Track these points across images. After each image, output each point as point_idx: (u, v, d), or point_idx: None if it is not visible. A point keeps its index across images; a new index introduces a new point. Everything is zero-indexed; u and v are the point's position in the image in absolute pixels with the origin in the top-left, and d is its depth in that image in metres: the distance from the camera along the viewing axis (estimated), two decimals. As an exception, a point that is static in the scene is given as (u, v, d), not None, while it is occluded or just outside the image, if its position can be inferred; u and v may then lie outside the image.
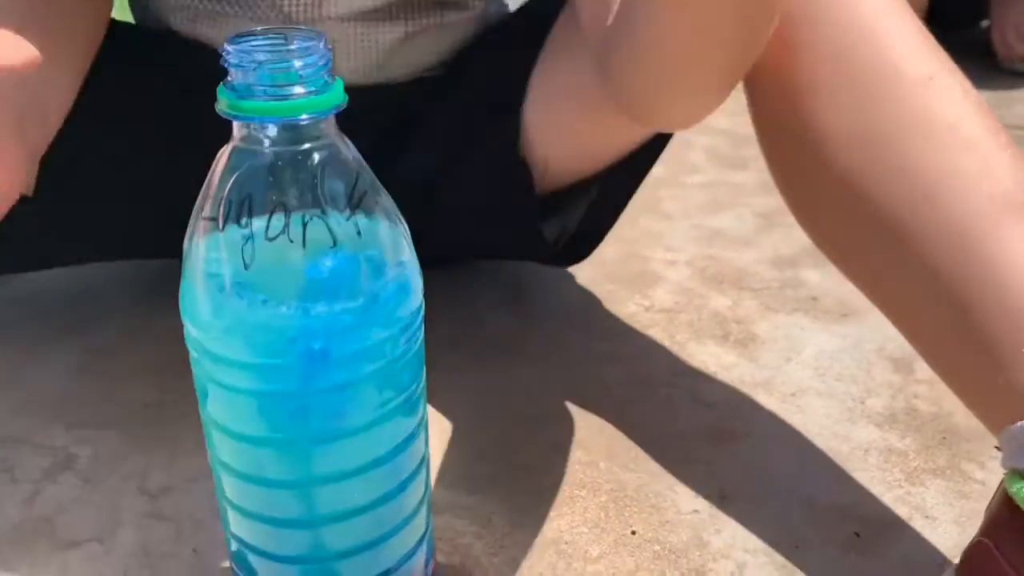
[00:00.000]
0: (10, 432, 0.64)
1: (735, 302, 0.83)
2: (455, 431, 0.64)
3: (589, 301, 0.83)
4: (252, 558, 0.42)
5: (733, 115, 1.27)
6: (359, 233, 0.36)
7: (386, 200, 0.38)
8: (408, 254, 0.38)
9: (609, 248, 0.93)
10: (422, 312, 0.41)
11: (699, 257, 0.92)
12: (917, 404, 0.68)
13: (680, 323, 0.79)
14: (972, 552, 0.44)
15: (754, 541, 0.54)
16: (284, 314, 0.35)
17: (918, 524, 0.56)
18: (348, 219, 0.36)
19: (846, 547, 0.54)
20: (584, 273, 0.89)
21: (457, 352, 0.74)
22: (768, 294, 0.84)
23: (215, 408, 0.39)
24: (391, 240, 0.37)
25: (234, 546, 0.43)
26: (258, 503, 0.40)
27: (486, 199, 0.70)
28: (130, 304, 0.82)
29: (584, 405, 0.67)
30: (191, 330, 0.38)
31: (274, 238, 0.35)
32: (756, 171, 1.15)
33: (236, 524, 0.42)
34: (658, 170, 1.16)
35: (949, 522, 0.56)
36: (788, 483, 0.59)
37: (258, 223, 0.35)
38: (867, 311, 0.80)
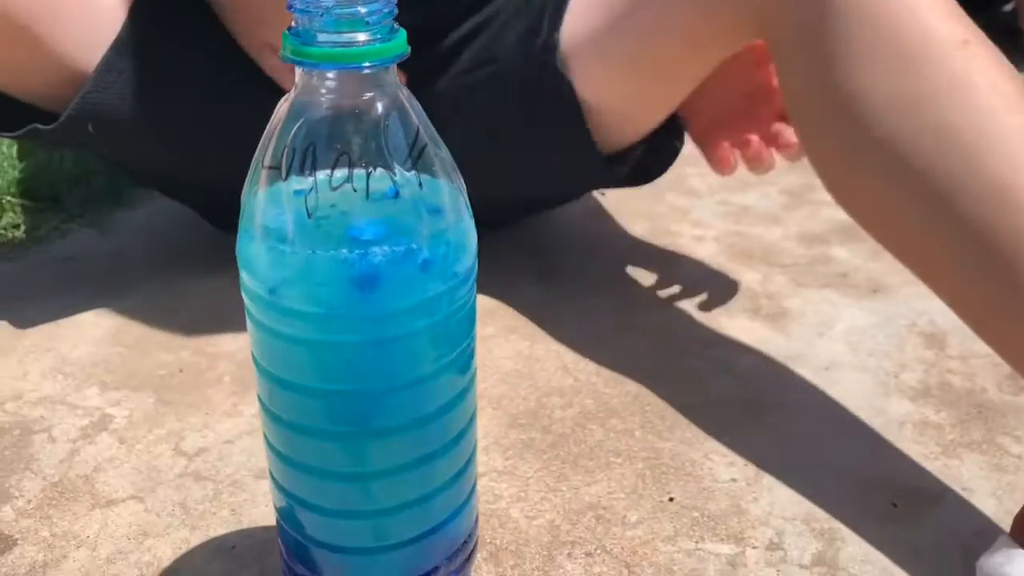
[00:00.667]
0: (46, 394, 0.65)
1: (765, 277, 0.82)
2: (488, 400, 0.64)
3: (618, 275, 0.83)
4: (300, 513, 0.42)
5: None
6: (420, 185, 0.36)
7: (445, 154, 0.37)
8: (465, 210, 0.38)
9: (637, 224, 0.93)
10: (475, 270, 0.40)
11: (727, 233, 0.91)
12: (951, 379, 0.67)
13: (710, 298, 0.79)
14: None
15: (792, 509, 0.54)
16: (345, 264, 0.35)
17: (955, 496, 0.56)
18: (409, 171, 0.36)
19: (884, 517, 0.54)
20: (612, 247, 0.88)
21: (489, 324, 0.74)
22: (797, 270, 0.84)
23: (269, 358, 0.39)
24: (450, 194, 0.37)
25: (281, 502, 0.43)
26: (309, 456, 0.40)
27: (530, 116, 0.71)
28: (163, 269, 0.82)
29: (616, 376, 0.67)
30: (248, 280, 0.37)
31: (337, 188, 0.35)
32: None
33: (284, 478, 0.42)
34: (684, 147, 1.16)
35: (986, 495, 0.56)
36: (824, 454, 0.59)
37: (321, 172, 0.35)
38: (897, 287, 0.80)
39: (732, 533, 0.53)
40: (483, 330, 0.73)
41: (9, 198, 0.90)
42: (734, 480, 0.57)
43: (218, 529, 0.52)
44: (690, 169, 1.08)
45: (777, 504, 0.55)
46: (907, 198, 0.51)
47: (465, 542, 0.45)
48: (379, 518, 0.41)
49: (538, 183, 0.78)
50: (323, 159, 0.35)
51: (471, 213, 0.39)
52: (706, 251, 0.87)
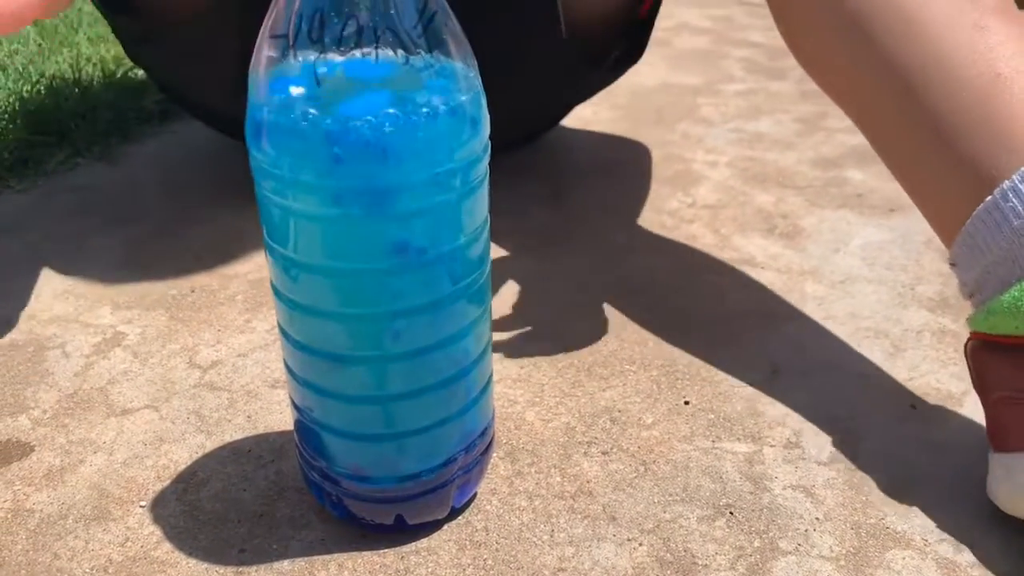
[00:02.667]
0: (58, 313, 0.65)
1: (779, 199, 0.81)
2: (502, 313, 0.64)
3: (631, 198, 0.82)
4: (315, 400, 0.42)
5: (768, 30, 1.26)
6: (431, 51, 0.35)
7: (455, 26, 0.37)
8: (478, 83, 0.38)
9: (648, 151, 0.92)
10: (488, 156, 0.40)
11: (740, 158, 0.90)
12: (969, 291, 0.66)
13: (724, 218, 0.78)
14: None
15: (809, 411, 0.54)
16: (356, 130, 0.34)
17: (974, 398, 0.55)
18: (419, 37, 0.35)
19: (903, 418, 0.53)
20: (624, 172, 0.88)
21: (502, 245, 0.73)
22: (812, 191, 0.83)
23: (282, 238, 0.38)
24: (462, 64, 0.37)
25: (295, 390, 0.43)
26: (323, 338, 0.39)
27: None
28: (173, 198, 0.82)
29: (631, 292, 0.67)
30: (258, 155, 0.37)
31: (346, 53, 0.34)
32: (794, 81, 1.13)
33: (297, 364, 0.41)
34: (694, 79, 1.15)
35: (1006, 396, 0.55)
36: (840, 359, 0.59)
37: (329, 39, 0.34)
38: (914, 207, 0.79)
39: (749, 433, 0.52)
40: (495, 250, 0.72)
41: (15, 132, 0.89)
42: (750, 384, 0.56)
43: (234, 435, 0.52)
44: (702, 99, 1.07)
45: (794, 406, 0.54)
46: (840, 37, 0.50)
47: (483, 433, 0.45)
48: (392, 403, 0.41)
49: (524, 89, 0.77)
50: (331, 25, 0.34)
51: (483, 93, 0.38)
52: (720, 175, 0.86)
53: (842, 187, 0.84)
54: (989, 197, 0.44)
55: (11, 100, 0.95)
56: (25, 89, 0.97)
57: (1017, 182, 0.43)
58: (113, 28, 0.77)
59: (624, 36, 0.75)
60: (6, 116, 0.92)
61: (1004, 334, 0.44)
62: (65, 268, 0.70)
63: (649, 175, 0.87)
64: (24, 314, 0.64)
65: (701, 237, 0.75)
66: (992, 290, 0.44)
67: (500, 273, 0.69)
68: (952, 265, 0.47)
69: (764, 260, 0.71)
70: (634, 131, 0.97)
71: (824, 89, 0.55)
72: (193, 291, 0.67)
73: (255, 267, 0.70)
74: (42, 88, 0.99)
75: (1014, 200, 0.43)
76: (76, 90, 0.98)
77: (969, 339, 0.47)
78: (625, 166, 0.89)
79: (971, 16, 0.46)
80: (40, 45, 1.09)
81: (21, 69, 1.02)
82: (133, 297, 0.66)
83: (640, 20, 0.74)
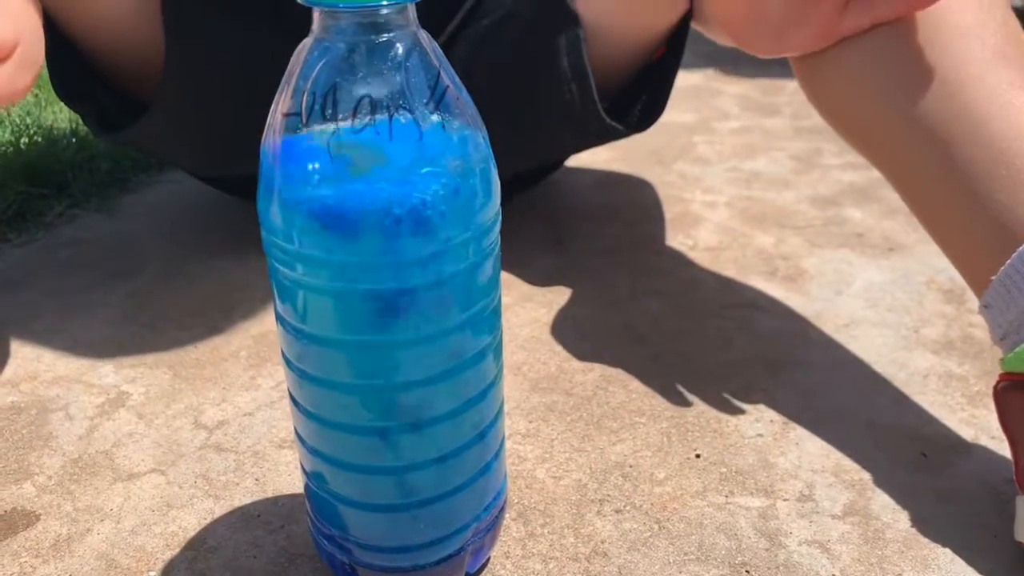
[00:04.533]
0: (61, 373, 0.64)
1: (779, 240, 0.82)
2: (508, 367, 0.64)
3: (631, 242, 0.82)
4: (326, 470, 0.41)
5: (761, 65, 1.27)
6: (444, 127, 0.35)
7: (466, 97, 0.37)
8: (489, 155, 0.38)
9: (647, 192, 0.93)
10: (499, 221, 0.40)
11: (738, 198, 0.91)
12: (973, 332, 0.67)
13: (725, 260, 0.78)
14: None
15: (821, 462, 0.54)
16: (367, 208, 0.34)
17: (985, 443, 0.55)
18: (432, 113, 0.35)
19: (914, 467, 0.53)
20: (625, 215, 0.88)
21: (504, 294, 0.73)
22: (812, 231, 0.83)
23: (294, 314, 0.38)
24: (474, 137, 0.37)
25: (307, 459, 0.42)
26: (335, 411, 0.39)
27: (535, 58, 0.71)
28: (172, 251, 0.82)
29: (635, 340, 0.67)
30: (270, 234, 0.37)
31: (360, 130, 0.34)
32: (789, 117, 1.14)
33: (309, 434, 0.41)
34: (689, 117, 1.15)
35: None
36: (849, 408, 0.59)
37: (343, 116, 0.34)
38: (913, 245, 0.79)
39: (762, 487, 0.52)
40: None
41: (14, 185, 0.89)
42: (760, 436, 0.56)
43: (243, 499, 0.52)
44: (698, 137, 1.08)
45: (805, 457, 0.54)
46: (863, 89, 0.53)
47: (496, 496, 0.44)
48: (405, 474, 0.40)
49: (541, 140, 0.78)
50: (344, 102, 0.34)
51: (494, 160, 0.38)
52: (718, 216, 0.87)
53: (842, 226, 0.84)
54: None
55: (9, 152, 0.95)
56: (23, 141, 0.97)
57: None
58: (81, 117, 0.76)
59: (645, 89, 0.75)
60: (4, 168, 0.92)
61: None
62: (66, 326, 0.70)
63: (649, 217, 0.87)
64: (26, 375, 0.64)
65: (703, 281, 0.75)
66: None
67: (506, 323, 0.69)
68: (984, 307, 0.48)
69: (767, 304, 0.71)
70: (632, 171, 0.98)
71: (851, 143, 0.57)
72: (196, 347, 0.67)
73: (258, 321, 0.70)
74: (40, 139, 0.99)
75: None
76: (74, 140, 0.98)
77: (999, 381, 0.47)
78: (625, 208, 0.89)
79: (1006, 76, 0.49)
80: (36, 96, 1.09)
81: (18, 121, 1.02)
82: (136, 354, 0.66)
83: (659, 69, 0.74)
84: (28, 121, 1.02)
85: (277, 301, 0.39)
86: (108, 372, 0.64)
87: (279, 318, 0.40)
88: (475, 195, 0.36)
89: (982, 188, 0.48)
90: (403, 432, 0.39)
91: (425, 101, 0.35)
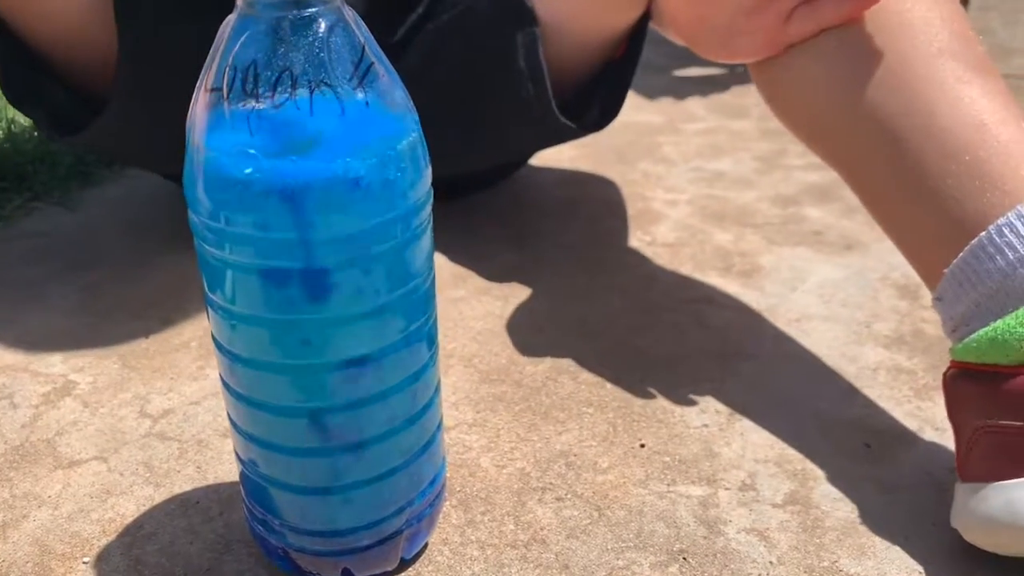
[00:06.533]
0: (7, 362, 0.63)
1: (737, 237, 0.82)
2: (459, 359, 0.63)
3: (591, 237, 0.82)
4: (257, 453, 0.41)
5: (731, 67, 1.27)
6: (367, 104, 0.35)
7: (393, 75, 0.37)
8: (418, 135, 0.38)
9: (609, 190, 0.93)
10: (430, 202, 0.40)
11: (700, 196, 0.91)
12: (924, 328, 0.67)
13: (683, 256, 0.78)
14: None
15: (765, 452, 0.54)
16: (289, 184, 0.34)
17: (929, 435, 0.55)
18: (355, 89, 0.35)
19: (857, 457, 0.54)
20: (585, 211, 0.88)
21: (460, 287, 0.73)
22: (771, 229, 0.84)
23: (223, 294, 0.38)
24: (400, 116, 0.37)
25: (239, 443, 0.42)
26: (263, 391, 0.39)
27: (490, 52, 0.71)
28: (130, 244, 0.81)
29: (590, 333, 0.67)
30: (193, 209, 0.37)
31: (280, 105, 0.34)
32: (756, 119, 1.14)
33: (239, 416, 0.41)
34: (656, 118, 1.16)
35: (960, 434, 0.55)
36: (796, 400, 0.59)
37: (264, 91, 0.34)
38: (870, 244, 0.80)
39: (704, 476, 0.52)
40: (454, 292, 0.72)
41: (-27, 178, 0.89)
42: (706, 426, 0.56)
43: (183, 486, 0.51)
44: (663, 138, 1.08)
45: (749, 448, 0.54)
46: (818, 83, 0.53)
47: (432, 482, 0.44)
48: (335, 456, 0.40)
49: (498, 137, 0.78)
50: (265, 77, 0.34)
51: (424, 142, 0.38)
52: (679, 213, 0.87)
53: (800, 224, 0.84)
54: (984, 232, 0.46)
55: (-32, 145, 0.94)
56: (-17, 134, 0.97)
57: (1012, 219, 0.45)
58: (33, 121, 0.74)
59: (602, 88, 0.75)
60: (-37, 161, 0.91)
61: (990, 363, 0.44)
62: (17, 316, 0.69)
63: (610, 214, 0.87)
64: (-27, 364, 0.63)
65: (660, 277, 0.75)
66: (981, 322, 0.45)
67: (459, 315, 0.69)
68: (937, 300, 0.48)
69: (722, 299, 0.71)
70: (596, 170, 0.98)
71: (807, 143, 0.57)
72: (148, 338, 0.66)
73: (211, 312, 0.69)
74: (1, 133, 0.98)
75: (1009, 236, 0.45)
76: (35, 133, 0.97)
77: (948, 368, 0.47)
78: (586, 204, 0.90)
79: (953, 70, 0.49)
80: None
81: (-20, 114, 1.01)
82: (86, 345, 0.66)
83: (617, 68, 0.75)
84: (-10, 114, 1.02)
85: (205, 283, 0.39)
86: (56, 362, 0.64)
87: (208, 301, 0.39)
88: (401, 173, 0.36)
89: (932, 183, 0.48)
90: (332, 414, 0.39)
91: (348, 77, 0.35)
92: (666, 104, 1.22)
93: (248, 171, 0.34)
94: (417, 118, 0.38)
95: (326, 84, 0.34)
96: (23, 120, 1.02)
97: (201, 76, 0.35)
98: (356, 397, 0.39)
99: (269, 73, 0.34)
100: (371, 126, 0.35)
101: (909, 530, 0.48)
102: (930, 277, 0.49)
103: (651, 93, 1.26)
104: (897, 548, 0.47)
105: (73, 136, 0.70)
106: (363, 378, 0.39)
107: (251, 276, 0.36)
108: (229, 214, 0.35)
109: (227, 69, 0.34)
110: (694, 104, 1.22)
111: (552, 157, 1.01)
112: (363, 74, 0.35)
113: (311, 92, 0.34)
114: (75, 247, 0.81)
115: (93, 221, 0.87)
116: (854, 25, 0.51)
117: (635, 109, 1.19)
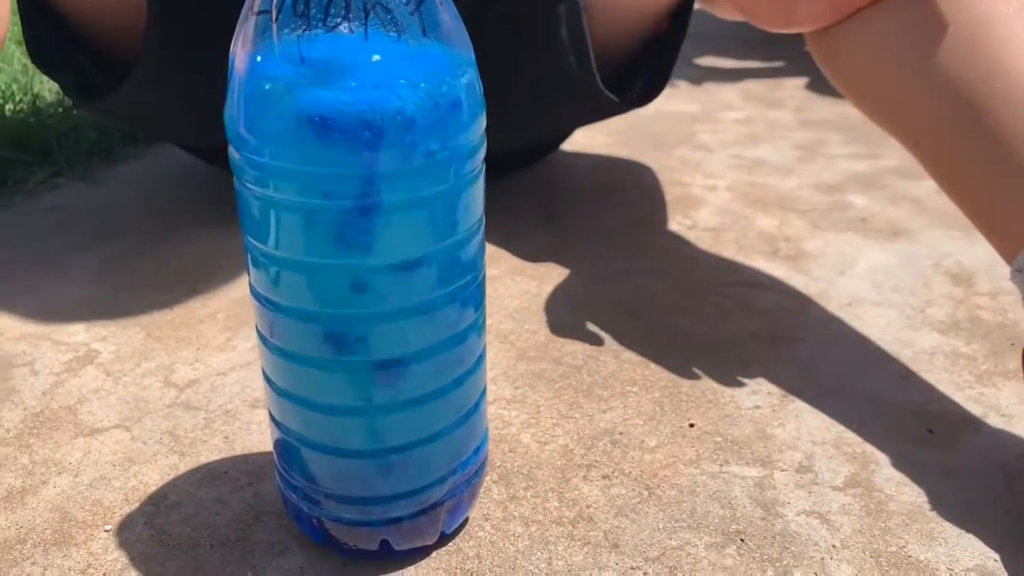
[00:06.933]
0: (28, 331, 0.61)
1: (781, 222, 0.79)
2: (495, 335, 0.61)
3: (629, 221, 0.80)
4: (293, 412, 0.38)
5: (767, 60, 1.26)
6: (424, 32, 0.33)
7: (451, 7, 0.34)
8: (474, 72, 0.35)
9: (646, 176, 0.90)
10: (484, 146, 0.37)
11: (740, 183, 0.88)
12: (980, 314, 0.64)
13: (726, 241, 0.75)
14: None
15: (821, 434, 0.51)
16: (339, 114, 0.31)
17: (995, 421, 0.52)
18: (411, 15, 0.32)
19: (920, 442, 0.51)
20: (621, 195, 0.85)
21: (493, 267, 0.71)
22: (815, 215, 0.81)
23: (262, 234, 0.35)
24: (458, 49, 0.34)
25: (274, 401, 0.39)
26: (303, 344, 0.36)
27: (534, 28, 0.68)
28: (154, 219, 0.79)
29: (631, 313, 0.64)
30: (236, 144, 0.34)
31: (333, 28, 0.31)
32: (793, 109, 1.12)
33: (276, 373, 0.38)
34: (691, 107, 1.13)
35: (1027, 420, 0.53)
36: (852, 383, 0.56)
37: (316, 13, 0.31)
38: (919, 231, 0.77)
39: (758, 457, 0.49)
40: (488, 271, 0.70)
41: (-4, 150, 0.87)
42: (758, 407, 0.53)
43: (210, 456, 0.49)
44: (699, 126, 1.06)
45: (804, 429, 0.51)
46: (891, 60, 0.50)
47: (475, 452, 0.42)
48: (375, 416, 0.37)
49: (538, 112, 0.75)
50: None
51: (479, 82, 0.36)
52: (720, 199, 0.84)
53: (845, 211, 0.82)
54: None
55: (-8, 119, 0.93)
56: (8, 108, 0.95)
57: None
58: (60, 86, 0.73)
59: (646, 63, 0.73)
60: (-14, 134, 0.89)
61: None
62: (39, 286, 0.67)
63: (647, 198, 0.84)
64: (-7, 331, 0.61)
65: (703, 260, 0.72)
66: None
67: (494, 293, 0.66)
68: (1017, 271, 0.46)
69: (768, 283, 0.69)
70: (631, 156, 0.96)
71: (873, 116, 0.54)
72: (172, 309, 0.64)
73: (238, 286, 0.67)
74: (25, 107, 0.96)
75: None
76: (60, 109, 0.96)
77: None
78: (622, 189, 0.87)
79: None
80: (25, 65, 1.07)
81: (4, 88, 0.99)
82: (109, 315, 0.63)
83: (662, 43, 0.72)
84: (14, 88, 1.00)
85: (244, 228, 0.37)
86: (78, 331, 0.61)
87: (248, 248, 0.37)
88: (456, 110, 0.34)
89: (1014, 149, 0.45)
90: (373, 369, 0.37)
91: (405, 2, 0.32)
92: (700, 93, 1.19)
93: (296, 100, 0.32)
94: (473, 56, 0.36)
95: (382, 7, 0.32)
96: (48, 95, 1.01)
97: (246, 3, 0.33)
98: (398, 355, 0.37)
99: (320, -6, 0.31)
100: (427, 56, 0.33)
101: (979, 517, 0.45)
102: (1008, 249, 0.46)
103: (683, 82, 1.23)
104: (969, 535, 0.44)
105: (100, 100, 0.68)
106: (406, 334, 0.36)
107: (295, 216, 0.34)
108: (274, 147, 0.33)
109: (276, -10, 0.32)
110: (728, 93, 1.19)
111: (585, 143, 0.98)
112: (420, 1, 0.33)
113: (366, 15, 0.31)
114: (97, 221, 0.79)
115: (116, 196, 0.85)
116: None
117: (668, 97, 1.16)
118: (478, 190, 0.37)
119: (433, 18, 0.33)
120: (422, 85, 0.32)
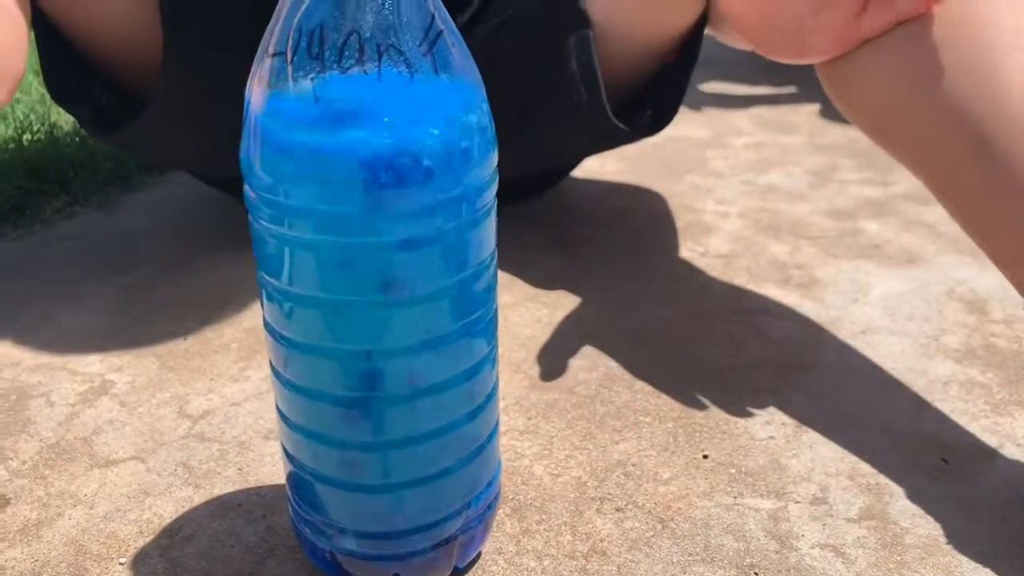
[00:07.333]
0: (44, 361, 0.62)
1: (794, 249, 0.79)
2: (507, 364, 0.61)
3: (639, 247, 0.80)
4: (305, 447, 0.39)
5: (778, 86, 1.26)
6: (436, 72, 0.33)
7: (461, 45, 0.35)
8: (486, 109, 0.35)
9: (655, 200, 0.90)
10: (496, 181, 0.37)
11: (752, 209, 0.88)
12: (996, 342, 0.64)
13: (738, 268, 0.75)
14: None
15: (835, 465, 0.51)
16: (354, 154, 0.32)
17: (1010, 452, 0.52)
18: (424, 56, 0.33)
19: (935, 473, 0.50)
20: (632, 222, 0.85)
21: (506, 294, 0.71)
22: (827, 242, 0.81)
23: (276, 270, 0.36)
24: (469, 85, 0.34)
25: (286, 437, 0.40)
26: (316, 379, 0.37)
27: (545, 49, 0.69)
28: (170, 248, 0.80)
29: (643, 341, 0.64)
30: (251, 183, 0.34)
31: (347, 70, 0.32)
32: (806, 134, 1.12)
33: (289, 408, 0.38)
34: (701, 132, 1.14)
35: (1043, 451, 0.52)
36: (865, 412, 0.56)
37: (330, 55, 0.32)
38: (933, 257, 0.77)
39: (772, 488, 0.49)
40: (500, 298, 0.70)
41: (13, 180, 0.88)
42: (772, 438, 0.53)
43: (224, 488, 0.49)
44: (710, 151, 1.06)
45: (819, 460, 0.51)
46: (904, 89, 0.50)
47: (488, 486, 0.42)
48: (388, 451, 0.37)
49: (549, 142, 0.76)
50: (331, 40, 0.32)
51: (491, 118, 0.36)
52: (731, 225, 0.84)
53: (857, 238, 0.81)
54: None
55: (11, 148, 0.94)
56: (25, 137, 0.96)
57: None
58: (76, 119, 0.73)
59: (656, 92, 0.73)
60: (4, 164, 0.90)
61: None
62: (55, 316, 0.68)
63: (658, 225, 0.84)
64: (9, 361, 0.62)
65: (714, 287, 0.72)
66: None
67: (506, 322, 0.66)
68: None
69: (780, 310, 0.69)
70: (641, 183, 0.96)
71: (884, 145, 0.54)
72: (186, 339, 0.65)
73: (252, 315, 0.67)
74: (42, 136, 0.98)
75: None
76: (77, 138, 0.97)
77: None
78: (632, 216, 0.87)
79: None
80: (43, 95, 1.08)
81: (22, 118, 1.01)
82: (124, 345, 0.64)
83: (672, 72, 0.72)
84: (32, 118, 1.01)
85: (259, 264, 0.37)
86: (94, 361, 0.62)
87: (261, 283, 0.37)
88: (469, 148, 0.34)
89: (1022, 177, 0.45)
90: (386, 404, 0.37)
91: (418, 43, 0.33)
92: (710, 119, 1.19)
93: (311, 140, 0.32)
94: (485, 93, 0.36)
95: (395, 49, 0.32)
96: (64, 124, 1.02)
97: (263, 41, 0.34)
98: (410, 388, 0.37)
99: (336, 35, 0.32)
100: (440, 96, 0.33)
101: (998, 550, 0.44)
102: (1020, 276, 0.46)
103: (693, 108, 1.23)
104: (987, 569, 0.43)
105: (115, 133, 0.69)
106: (419, 368, 0.36)
107: (309, 254, 0.34)
108: (289, 187, 0.33)
109: (291, 32, 0.32)
110: (739, 119, 1.19)
111: (596, 169, 0.99)
112: (432, 40, 0.33)
113: (379, 57, 0.32)
114: (114, 250, 0.79)
115: (132, 225, 0.85)
116: (930, 20, 0.49)
117: (679, 124, 1.16)
118: (490, 224, 0.38)
119: (445, 57, 0.34)
120: (435, 124, 0.33)
